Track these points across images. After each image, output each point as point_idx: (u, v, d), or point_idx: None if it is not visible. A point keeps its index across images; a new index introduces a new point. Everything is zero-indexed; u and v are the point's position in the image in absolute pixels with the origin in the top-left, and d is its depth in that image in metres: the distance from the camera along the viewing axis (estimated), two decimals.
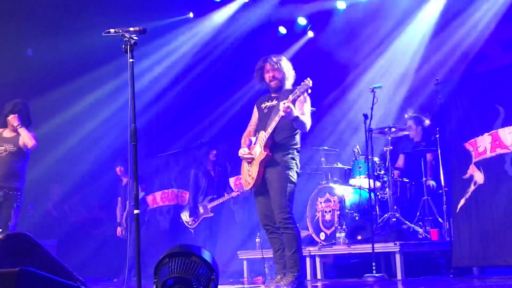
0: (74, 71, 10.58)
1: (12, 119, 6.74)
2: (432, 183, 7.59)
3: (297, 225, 5.34)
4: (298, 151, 5.40)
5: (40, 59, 10.30)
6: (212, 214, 8.61)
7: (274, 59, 5.45)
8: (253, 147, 5.44)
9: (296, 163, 5.35)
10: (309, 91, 5.10)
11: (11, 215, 6.59)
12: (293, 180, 5.28)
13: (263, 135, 5.32)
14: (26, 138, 6.72)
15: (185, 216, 8.83)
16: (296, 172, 5.34)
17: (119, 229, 9.19)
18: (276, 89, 5.46)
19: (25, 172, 6.84)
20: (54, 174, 9.76)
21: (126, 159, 9.16)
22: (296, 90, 5.06)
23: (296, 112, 5.10)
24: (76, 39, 10.23)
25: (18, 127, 6.73)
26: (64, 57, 10.22)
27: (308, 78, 5.09)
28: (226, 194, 8.59)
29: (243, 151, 5.48)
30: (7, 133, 6.84)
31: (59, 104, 10.42)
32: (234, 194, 8.56)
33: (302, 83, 5.08)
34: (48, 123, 9.97)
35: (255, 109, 5.67)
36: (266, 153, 5.26)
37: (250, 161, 5.41)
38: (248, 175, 5.42)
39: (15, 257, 3.65)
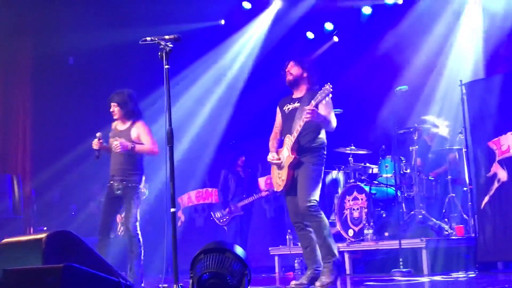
0: (114, 79, 10.69)
1: (123, 144, 6.14)
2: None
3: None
4: (324, 149, 5.39)
5: (80, 67, 10.43)
6: (242, 213, 8.63)
7: (296, 57, 5.50)
8: (281, 151, 5.46)
9: (323, 161, 5.36)
10: (330, 95, 5.09)
11: (132, 207, 6.19)
12: (319, 175, 5.29)
13: (290, 139, 5.33)
14: (148, 153, 6.28)
15: (216, 214, 8.86)
16: (323, 168, 5.35)
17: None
18: (290, 85, 5.49)
19: (142, 164, 6.36)
20: (95, 173, 9.87)
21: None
22: (318, 95, 5.07)
23: (322, 113, 5.11)
24: (115, 47, 10.35)
25: (132, 149, 6.18)
26: (103, 65, 10.34)
27: (329, 83, 5.09)
28: (254, 195, 8.61)
29: (271, 157, 5.49)
30: (120, 126, 6.41)
31: (100, 110, 10.53)
32: (263, 194, 8.58)
33: (323, 88, 5.08)
34: (90, 125, 10.10)
35: (278, 111, 5.68)
36: (293, 156, 5.28)
37: (279, 165, 5.43)
38: (279, 177, 5.44)
39: (59, 254, 3.70)
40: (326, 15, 10.04)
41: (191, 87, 10.64)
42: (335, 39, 10.21)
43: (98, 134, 6.28)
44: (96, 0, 9.89)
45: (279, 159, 5.44)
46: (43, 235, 3.81)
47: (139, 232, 6.19)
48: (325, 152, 5.40)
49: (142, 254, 6.21)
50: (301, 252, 5.60)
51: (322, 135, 5.40)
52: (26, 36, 10.01)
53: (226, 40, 10.64)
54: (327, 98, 5.10)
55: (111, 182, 6.32)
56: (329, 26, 10.20)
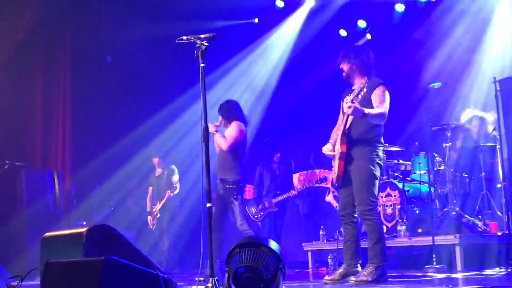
0: (151, 76, 10.80)
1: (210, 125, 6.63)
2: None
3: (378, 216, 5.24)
4: (379, 142, 5.26)
5: (118, 65, 10.55)
6: (276, 209, 8.62)
7: (342, 53, 5.43)
8: (336, 143, 5.38)
9: (378, 155, 5.22)
10: (365, 90, 5.04)
11: (233, 207, 6.66)
12: (374, 171, 5.17)
13: (340, 132, 5.28)
14: (219, 143, 6.79)
15: (251, 210, 8.87)
16: (378, 163, 5.22)
17: (149, 218, 9.24)
18: (346, 80, 5.43)
19: (238, 165, 6.76)
20: (134, 169, 9.99)
21: (162, 151, 9.34)
22: (355, 90, 5.04)
23: (365, 109, 5.00)
24: (152, 44, 10.45)
25: (213, 135, 6.74)
26: (140, 63, 10.44)
27: (366, 78, 5.07)
28: (290, 192, 8.58)
29: (326, 148, 5.44)
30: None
31: (136, 106, 10.66)
32: (291, 193, 8.53)
33: (359, 82, 5.07)
34: (128, 122, 10.23)
35: (341, 103, 5.60)
36: (341, 150, 5.19)
37: (333, 157, 5.38)
38: (333, 170, 5.39)
39: (100, 247, 3.77)
40: (359, 13, 9.97)
41: (225, 84, 10.66)
42: (368, 36, 10.14)
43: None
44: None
45: (333, 150, 5.38)
46: (83, 229, 3.89)
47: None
48: (379, 145, 5.26)
49: None
50: (334, 247, 5.58)
51: (376, 127, 5.24)
52: (65, 34, 10.15)
53: (259, 38, 10.64)
54: (380, 87, 5.05)
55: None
56: (362, 23, 10.13)
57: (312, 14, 10.16)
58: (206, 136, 4.29)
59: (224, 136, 6.77)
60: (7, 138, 9.29)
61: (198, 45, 4.38)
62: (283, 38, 10.59)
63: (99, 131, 10.19)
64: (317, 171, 9.50)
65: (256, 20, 10.76)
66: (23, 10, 9.66)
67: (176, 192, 9.16)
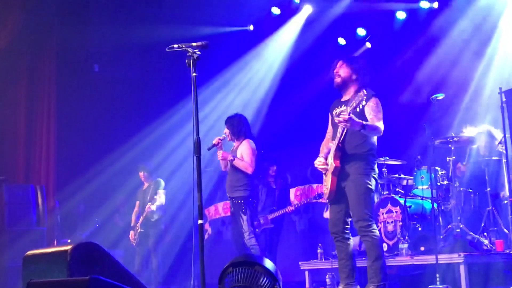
0: (140, 86, 10.80)
1: (224, 154, 7.05)
2: None
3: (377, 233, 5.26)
4: (373, 156, 5.30)
5: (106, 75, 10.55)
6: (272, 225, 8.59)
7: (345, 58, 5.42)
8: (328, 157, 5.38)
9: (373, 168, 5.27)
10: (364, 102, 4.99)
11: (241, 222, 6.94)
12: (370, 186, 5.20)
13: (334, 146, 5.27)
14: (243, 169, 7.01)
15: None
16: (374, 177, 5.26)
17: (132, 233, 9.17)
18: (337, 87, 5.42)
19: (249, 182, 7.09)
20: (120, 185, 9.97)
21: (149, 165, 9.34)
22: (353, 102, 5.01)
23: (359, 120, 5.01)
24: (141, 54, 10.46)
25: (232, 162, 7.04)
26: (129, 73, 10.46)
27: (363, 90, 5.03)
28: (287, 208, 8.56)
29: (318, 162, 5.43)
30: (235, 144, 7.25)
31: (125, 118, 10.65)
32: (288, 209, 8.52)
33: (358, 94, 5.02)
34: (116, 135, 10.22)
35: (330, 115, 5.60)
36: (335, 164, 5.20)
37: (325, 171, 5.37)
38: (325, 185, 5.39)
39: (85, 266, 3.75)
40: (359, 21, 10.02)
41: (218, 94, 10.69)
42: (368, 45, 10.18)
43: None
44: (122, 5, 10.01)
45: (326, 164, 5.39)
46: (68, 247, 3.87)
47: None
48: (374, 159, 5.30)
49: None
50: (333, 266, 5.58)
51: (370, 140, 5.28)
52: (50, 41, 10.10)
53: (255, 46, 10.67)
54: (373, 98, 5.06)
55: None
56: (361, 31, 10.17)
57: (310, 22, 10.20)
58: (198, 149, 4.29)
59: (241, 159, 7.01)
60: None
61: (189, 53, 4.40)
62: (279, 46, 10.63)
63: (85, 144, 10.18)
64: (315, 185, 9.49)
65: (252, 27, 10.79)
66: (6, 15, 9.64)
67: (157, 204, 9.07)
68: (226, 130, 7.20)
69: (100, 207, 10.00)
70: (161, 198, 9.14)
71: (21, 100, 9.94)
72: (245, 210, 6.96)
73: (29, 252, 4.19)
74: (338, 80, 5.41)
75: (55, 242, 8.92)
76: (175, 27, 9.62)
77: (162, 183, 9.26)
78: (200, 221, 4.13)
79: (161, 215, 9.20)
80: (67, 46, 10.05)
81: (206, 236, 10.63)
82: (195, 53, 4.40)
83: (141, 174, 9.37)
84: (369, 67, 5.49)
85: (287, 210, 8.53)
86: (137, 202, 9.41)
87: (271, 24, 10.56)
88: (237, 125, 7.15)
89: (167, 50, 4.53)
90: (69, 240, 8.95)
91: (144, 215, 9.03)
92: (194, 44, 4.45)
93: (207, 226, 10.86)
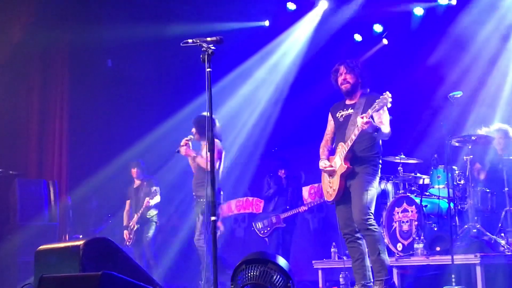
0: (154, 81, 10.82)
1: (187, 150, 7.20)
2: None
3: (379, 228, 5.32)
4: (380, 158, 5.43)
5: (120, 70, 10.58)
6: (284, 225, 8.59)
7: (350, 63, 5.47)
8: (333, 158, 5.46)
9: (378, 170, 5.39)
10: (389, 105, 5.08)
11: (196, 221, 7.13)
12: (374, 185, 5.31)
13: (343, 148, 5.32)
14: (202, 164, 7.10)
15: (257, 225, 8.85)
16: (378, 178, 5.39)
17: (126, 232, 9.06)
18: (347, 93, 5.49)
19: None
20: (133, 181, 10.00)
21: (142, 162, 9.33)
22: (375, 104, 5.06)
23: (377, 124, 5.11)
24: (155, 49, 10.47)
25: (194, 158, 7.20)
26: (143, 68, 10.47)
27: (387, 92, 5.08)
28: (300, 207, 8.56)
29: (323, 164, 5.51)
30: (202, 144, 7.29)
31: (138, 114, 10.68)
32: (301, 209, 8.51)
33: (381, 97, 5.07)
34: (129, 130, 10.24)
35: (330, 117, 5.67)
36: (346, 166, 5.28)
37: (331, 173, 5.42)
38: (330, 186, 5.44)
39: (97, 261, 3.78)
40: (375, 17, 9.98)
41: (232, 91, 10.68)
42: (385, 41, 10.15)
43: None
44: (136, 0, 10.03)
45: (332, 166, 5.43)
46: (80, 242, 3.90)
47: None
48: (380, 162, 5.43)
49: None
50: (346, 266, 5.59)
51: (378, 143, 5.41)
52: (63, 36, 10.12)
53: (270, 42, 10.65)
54: (385, 108, 5.11)
55: None
56: (378, 28, 10.14)
57: (325, 17, 10.17)
58: (212, 147, 4.31)
59: (203, 157, 7.03)
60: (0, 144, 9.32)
61: (204, 48, 4.41)
62: (294, 43, 10.60)
63: (98, 139, 10.21)
64: None
65: (267, 23, 10.76)
66: (19, 10, 9.71)
67: (156, 200, 9.08)
68: (193, 130, 7.25)
69: (113, 203, 10.03)
70: (158, 195, 9.11)
71: (34, 95, 10.01)
72: (204, 210, 7.00)
73: (41, 247, 4.23)
74: (347, 86, 5.50)
75: (67, 237, 8.98)
76: (189, 22, 9.64)
77: (154, 181, 9.22)
78: (213, 218, 4.15)
79: (156, 212, 9.16)
80: (80, 40, 10.05)
81: (218, 234, 10.65)
82: (210, 48, 4.40)
83: (133, 170, 9.26)
84: (366, 68, 5.57)
85: (299, 210, 8.53)
86: (128, 201, 9.33)
87: (287, 19, 10.53)
88: (202, 126, 7.12)
89: (181, 45, 4.54)
90: (81, 236, 8.99)
91: (141, 211, 8.93)
92: (208, 39, 4.45)
93: (219, 223, 10.88)
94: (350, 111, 5.42)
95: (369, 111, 5.08)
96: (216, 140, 7.05)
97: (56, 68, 10.19)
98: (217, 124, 7.30)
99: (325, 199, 5.64)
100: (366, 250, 5.39)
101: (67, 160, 10.00)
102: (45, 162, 9.99)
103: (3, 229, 8.70)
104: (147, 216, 9.05)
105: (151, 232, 9.06)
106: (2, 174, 8.55)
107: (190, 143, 7.16)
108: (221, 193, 7.43)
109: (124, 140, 10.10)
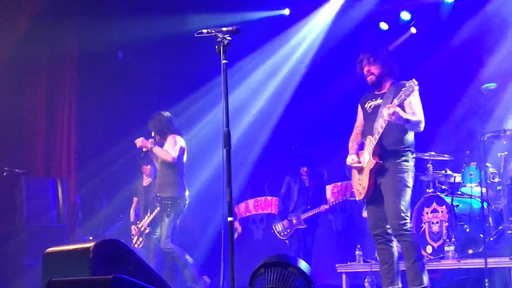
0: (166, 75, 10.85)
1: (143, 141, 7.47)
2: None
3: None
4: (412, 152, 5.34)
5: (131, 62, 10.62)
6: (305, 226, 8.58)
7: (372, 53, 5.45)
8: (362, 153, 5.41)
9: (411, 166, 5.30)
10: (415, 93, 5.05)
11: (165, 225, 7.30)
12: (408, 184, 5.24)
13: (371, 141, 5.28)
14: (162, 156, 7.33)
15: (277, 227, 8.84)
16: (412, 175, 5.29)
17: (134, 227, 8.81)
18: (373, 84, 5.47)
19: (179, 181, 7.44)
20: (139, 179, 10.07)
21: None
22: (401, 93, 5.03)
23: (405, 115, 5.06)
24: (167, 41, 10.49)
25: (151, 149, 7.41)
26: (157, 61, 10.51)
27: (413, 80, 5.05)
28: (321, 207, 8.53)
29: (351, 159, 5.46)
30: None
31: (150, 108, 10.71)
32: (322, 208, 8.48)
33: (407, 85, 5.04)
34: (141, 127, 10.28)
35: (359, 109, 5.63)
36: (375, 161, 5.23)
37: (360, 169, 5.38)
38: (359, 184, 5.40)
39: (108, 264, 3.81)
40: (403, 3, 9.93)
41: (249, 84, 10.68)
42: (413, 30, 10.09)
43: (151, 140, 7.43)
44: None
45: (360, 162, 5.40)
46: (90, 244, 3.92)
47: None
48: (412, 156, 5.34)
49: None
50: (374, 270, 5.58)
51: (409, 135, 5.33)
52: (71, 26, 10.18)
53: (289, 31, 10.61)
54: (411, 96, 5.07)
55: None
56: (405, 15, 10.08)
57: (349, 4, 10.13)
58: (228, 141, 4.31)
59: (161, 148, 7.36)
60: (5, 141, 9.37)
61: (219, 39, 4.41)
62: (316, 31, 10.55)
63: (108, 135, 10.24)
64: None
65: (288, 11, 10.72)
66: (25, 0, 9.77)
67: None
68: (153, 133, 7.58)
69: (124, 203, 10.07)
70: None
71: (41, 89, 10.07)
72: (170, 212, 7.30)
73: (49, 250, 4.26)
74: (373, 78, 5.49)
75: (76, 239, 9.03)
76: (202, 13, 9.65)
77: None
78: (229, 219, 4.16)
79: None
80: (89, 31, 10.08)
81: (235, 235, 10.68)
82: (226, 39, 4.40)
83: (146, 168, 9.13)
84: (392, 55, 5.51)
85: (320, 210, 8.52)
86: (135, 199, 9.27)
87: (308, 7, 10.50)
88: (159, 124, 7.50)
89: (195, 35, 4.54)
90: (91, 237, 9.04)
91: (154, 213, 8.54)
92: (224, 29, 4.45)
93: (236, 224, 10.92)
94: (379, 101, 5.37)
95: (395, 101, 5.04)
96: (175, 135, 7.38)
97: (64, 61, 10.23)
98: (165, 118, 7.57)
99: (356, 197, 5.58)
100: (397, 253, 5.38)
101: (75, 158, 10.06)
102: (53, 160, 10.05)
103: (9, 231, 8.78)
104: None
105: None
106: (7, 172, 8.62)
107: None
108: (186, 190, 7.53)
109: (135, 137, 10.13)
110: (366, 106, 5.51)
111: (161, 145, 7.52)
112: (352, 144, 5.59)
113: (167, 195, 7.35)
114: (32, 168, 9.71)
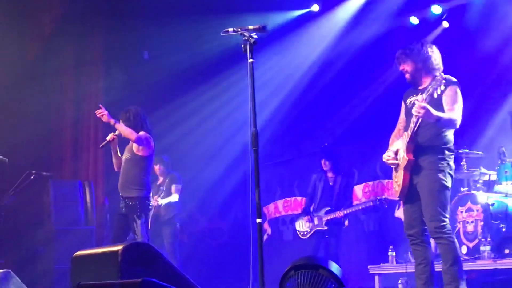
0: (192, 75, 10.89)
1: (108, 116, 7.14)
2: None
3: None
4: (450, 150, 5.26)
5: (156, 62, 10.69)
6: (326, 228, 8.37)
7: (403, 50, 5.42)
8: (399, 151, 5.37)
9: (449, 164, 5.23)
10: (442, 87, 4.99)
11: (134, 227, 6.81)
12: (446, 183, 5.17)
13: (406, 138, 5.25)
14: (125, 133, 7.02)
15: (298, 226, 8.72)
16: (450, 174, 5.22)
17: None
18: (410, 82, 5.43)
19: (145, 180, 7.04)
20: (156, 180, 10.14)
21: (166, 157, 9.31)
22: (429, 87, 5.00)
23: (435, 112, 5.01)
24: (193, 40, 10.53)
25: (114, 125, 7.08)
26: (180, 60, 10.55)
27: (441, 73, 5.03)
28: (337, 212, 8.34)
29: (387, 156, 5.44)
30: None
31: (176, 109, 10.78)
32: (337, 214, 8.37)
33: (436, 78, 5.01)
34: (166, 126, 10.35)
35: (403, 104, 5.60)
36: (408, 158, 5.18)
37: (396, 166, 5.36)
38: (395, 181, 5.38)
39: (137, 267, 3.84)
40: None
41: (277, 81, 10.67)
42: (445, 24, 9.99)
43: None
44: None
45: (396, 159, 5.38)
46: (119, 247, 3.96)
47: None
48: (450, 153, 5.27)
49: None
50: (407, 271, 5.55)
51: (447, 132, 5.27)
52: (97, 27, 10.29)
53: (317, 28, 10.56)
54: (447, 90, 5.02)
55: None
56: (436, 9, 9.98)
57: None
58: (256, 142, 4.32)
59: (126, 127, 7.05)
60: (32, 144, 9.46)
61: (246, 38, 4.42)
62: (345, 27, 10.48)
63: None
64: (385, 181, 9.41)
65: (316, 8, 10.65)
66: (51, 1, 9.86)
67: (169, 199, 9.07)
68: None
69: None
70: (173, 193, 9.10)
71: (68, 90, 10.16)
72: (140, 213, 6.85)
73: (78, 253, 4.31)
74: (408, 77, 5.45)
75: (105, 242, 9.09)
76: (227, 13, 9.66)
77: (177, 178, 9.24)
78: (258, 220, 4.16)
79: (175, 213, 9.16)
80: (115, 31, 10.17)
81: (265, 237, 10.69)
82: (252, 37, 4.41)
83: (156, 167, 9.19)
84: (428, 47, 5.44)
85: (336, 216, 8.33)
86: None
87: (337, 3, 10.44)
88: (133, 119, 7.17)
89: (221, 34, 4.56)
90: None
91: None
92: (250, 27, 4.46)
93: (266, 225, 10.93)
94: (419, 96, 5.32)
95: (423, 95, 5.01)
96: (146, 133, 7.09)
97: (90, 62, 10.30)
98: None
99: (394, 196, 5.55)
100: (432, 255, 5.35)
101: (103, 159, 10.08)
102: (80, 162, 10.10)
103: (38, 234, 8.85)
104: (165, 218, 9.06)
105: (170, 238, 9.08)
106: (35, 175, 8.69)
107: (116, 138, 7.21)
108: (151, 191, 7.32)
109: (162, 135, 10.20)
110: (407, 101, 5.47)
111: (128, 141, 7.26)
112: (392, 140, 5.55)
113: (132, 195, 6.94)
114: (59, 171, 9.78)
